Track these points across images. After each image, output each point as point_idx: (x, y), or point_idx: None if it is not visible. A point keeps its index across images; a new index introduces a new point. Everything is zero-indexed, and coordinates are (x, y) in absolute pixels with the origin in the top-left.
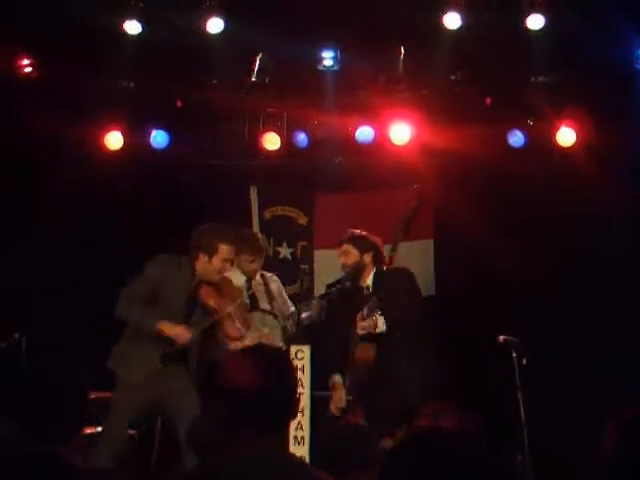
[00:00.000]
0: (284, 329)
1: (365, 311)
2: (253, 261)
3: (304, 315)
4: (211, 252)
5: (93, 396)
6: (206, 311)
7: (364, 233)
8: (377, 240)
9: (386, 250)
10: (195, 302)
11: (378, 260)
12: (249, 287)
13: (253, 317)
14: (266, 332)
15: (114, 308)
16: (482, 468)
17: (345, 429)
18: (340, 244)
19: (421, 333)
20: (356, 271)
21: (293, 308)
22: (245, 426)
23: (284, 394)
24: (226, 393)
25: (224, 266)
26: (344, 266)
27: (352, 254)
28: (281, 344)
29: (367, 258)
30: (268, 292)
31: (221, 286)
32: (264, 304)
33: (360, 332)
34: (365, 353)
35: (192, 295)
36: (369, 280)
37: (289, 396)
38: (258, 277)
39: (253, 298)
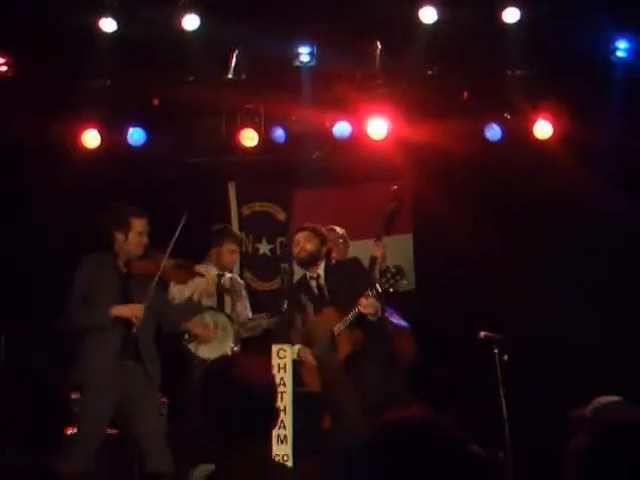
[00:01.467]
0: (236, 333)
1: (378, 288)
2: (234, 252)
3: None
4: (125, 228)
5: (75, 396)
6: (145, 279)
7: (319, 227)
8: (328, 234)
9: (364, 246)
10: (131, 280)
11: (328, 253)
12: (219, 283)
13: (220, 317)
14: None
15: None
16: (456, 456)
17: None
18: (297, 231)
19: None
20: (313, 259)
21: (251, 314)
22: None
23: (269, 399)
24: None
25: (141, 239)
26: (302, 250)
27: (314, 242)
28: (231, 344)
29: (323, 249)
30: (234, 294)
31: (149, 253)
32: (227, 304)
33: (365, 310)
34: (356, 335)
35: (125, 275)
36: (320, 270)
37: (272, 402)
38: (228, 277)
39: (220, 297)
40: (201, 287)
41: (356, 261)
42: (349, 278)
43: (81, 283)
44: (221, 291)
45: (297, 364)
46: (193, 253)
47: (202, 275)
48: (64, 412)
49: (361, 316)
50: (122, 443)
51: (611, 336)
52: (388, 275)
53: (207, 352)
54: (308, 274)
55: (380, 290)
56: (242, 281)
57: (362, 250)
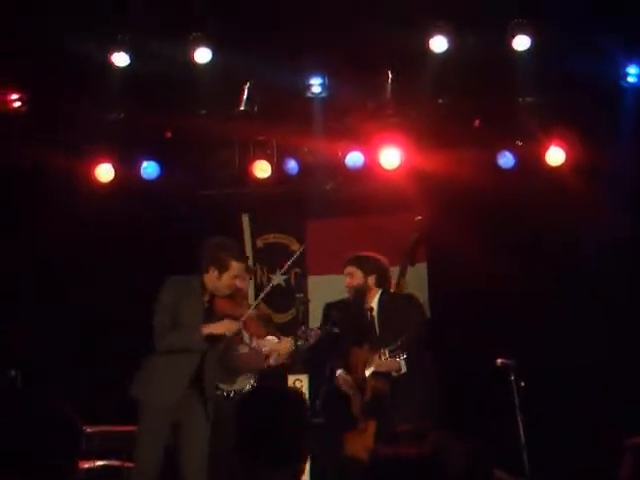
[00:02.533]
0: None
1: (387, 353)
2: (245, 278)
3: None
4: (222, 268)
5: (90, 430)
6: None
7: (369, 254)
8: (382, 261)
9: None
10: (212, 316)
11: (382, 282)
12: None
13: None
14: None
15: (156, 345)
16: None
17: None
18: (345, 265)
19: (425, 361)
20: (360, 293)
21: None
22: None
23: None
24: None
25: (233, 282)
26: (348, 288)
27: (357, 276)
28: (255, 378)
29: (371, 280)
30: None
31: (234, 295)
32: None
33: (378, 370)
34: (382, 385)
35: (208, 310)
36: (374, 303)
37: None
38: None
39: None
40: (276, 351)
41: (412, 299)
42: (402, 313)
43: (166, 307)
44: None
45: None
46: None
47: (278, 337)
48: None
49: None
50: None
51: (627, 361)
52: (394, 345)
53: (233, 385)
54: (364, 304)
55: (389, 356)
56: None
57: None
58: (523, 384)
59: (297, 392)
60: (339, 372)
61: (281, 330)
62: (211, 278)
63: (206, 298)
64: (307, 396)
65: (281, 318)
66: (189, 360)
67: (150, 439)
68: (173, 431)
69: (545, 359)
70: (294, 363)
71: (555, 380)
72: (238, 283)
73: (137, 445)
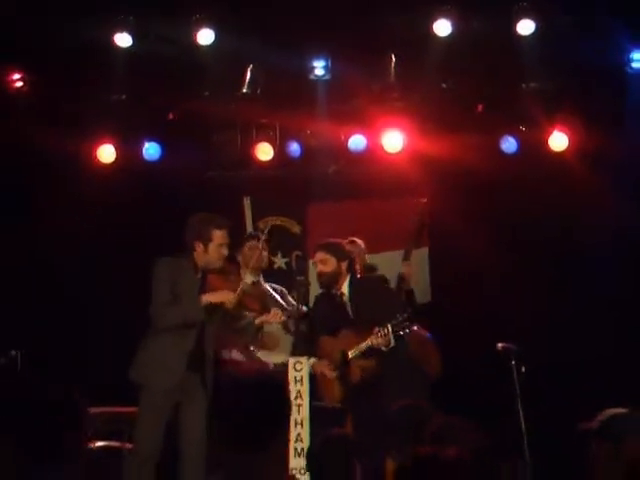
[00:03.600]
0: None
1: (390, 327)
2: (255, 248)
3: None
4: (206, 240)
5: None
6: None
7: (337, 240)
8: (348, 247)
9: (380, 258)
10: (203, 293)
11: (352, 267)
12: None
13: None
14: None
15: (155, 323)
16: None
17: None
18: (315, 252)
19: (420, 342)
20: (333, 280)
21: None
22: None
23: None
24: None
25: (221, 251)
26: (321, 274)
27: (330, 262)
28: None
29: (343, 266)
30: (276, 299)
31: (225, 271)
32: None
33: (375, 345)
34: (370, 364)
35: (201, 289)
36: (344, 287)
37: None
38: (266, 285)
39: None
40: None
41: (382, 280)
42: (374, 297)
43: (164, 284)
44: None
45: (313, 377)
46: None
47: (268, 310)
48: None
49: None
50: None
51: (629, 347)
52: (400, 319)
53: (273, 358)
54: (332, 291)
55: (391, 330)
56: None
57: (379, 263)
58: (524, 369)
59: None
60: (312, 360)
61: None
62: (199, 254)
63: (198, 276)
64: (307, 379)
65: None
66: (187, 338)
67: (151, 420)
68: (173, 411)
69: (546, 344)
70: (296, 346)
71: (556, 365)
72: (225, 251)
73: (137, 426)
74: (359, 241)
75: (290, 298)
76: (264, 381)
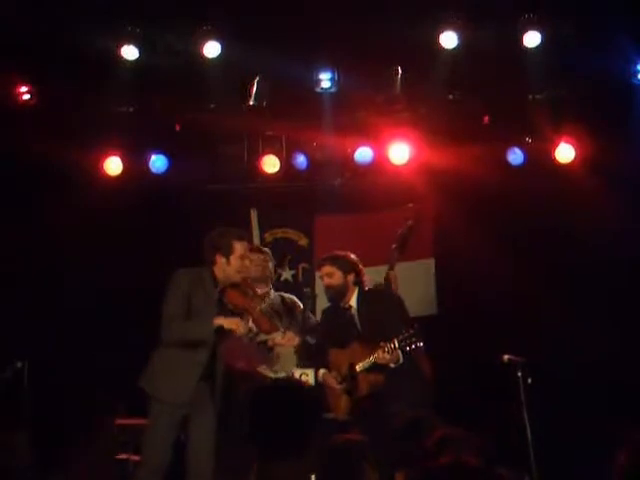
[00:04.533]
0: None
1: (397, 343)
2: (254, 260)
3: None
4: (227, 252)
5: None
6: (236, 313)
7: (343, 253)
8: (355, 259)
9: (383, 270)
10: (223, 307)
11: (359, 280)
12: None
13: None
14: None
15: (162, 335)
16: None
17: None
18: (321, 265)
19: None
20: (341, 293)
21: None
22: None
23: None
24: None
25: (242, 264)
26: (329, 288)
27: (337, 275)
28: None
29: (350, 279)
30: (285, 310)
31: (244, 287)
32: (277, 322)
33: (380, 362)
34: (377, 378)
35: (218, 302)
36: (352, 300)
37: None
38: (274, 295)
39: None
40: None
41: (387, 291)
42: (382, 310)
43: (178, 297)
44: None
45: (322, 388)
46: None
47: (283, 332)
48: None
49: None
50: None
51: (637, 359)
52: (406, 334)
53: (274, 371)
54: (340, 304)
55: (397, 346)
56: (295, 298)
57: (382, 275)
58: (530, 381)
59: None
60: (322, 372)
61: None
62: (220, 267)
63: (217, 290)
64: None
65: None
66: (200, 353)
67: (160, 432)
68: (182, 424)
69: (552, 356)
70: (300, 358)
71: (562, 377)
72: (248, 264)
73: (146, 437)
74: (353, 256)
75: (299, 310)
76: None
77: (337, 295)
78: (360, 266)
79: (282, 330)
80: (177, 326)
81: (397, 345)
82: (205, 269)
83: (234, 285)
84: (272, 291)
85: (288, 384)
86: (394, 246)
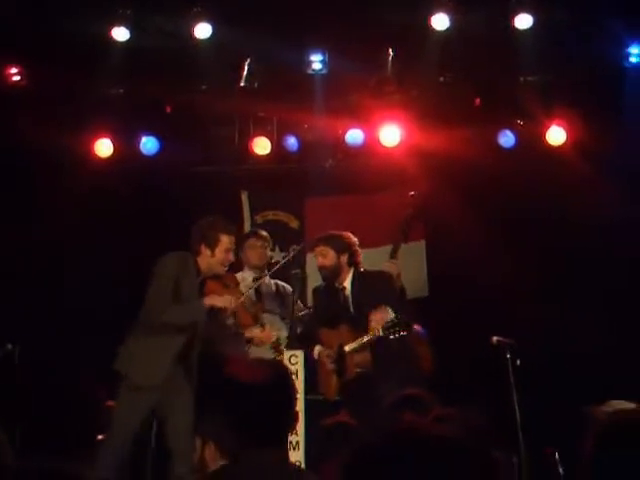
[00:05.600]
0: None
1: (381, 331)
2: (254, 247)
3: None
4: (213, 244)
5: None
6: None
7: (339, 233)
8: (352, 239)
9: (376, 253)
10: (200, 296)
11: (354, 261)
12: (256, 287)
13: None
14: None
15: (143, 318)
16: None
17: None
18: (315, 245)
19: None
20: (334, 273)
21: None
22: (249, 437)
23: (287, 404)
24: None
25: (227, 257)
26: (321, 268)
27: (330, 255)
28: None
29: (343, 259)
30: (277, 296)
31: (226, 280)
32: (273, 306)
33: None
34: (364, 359)
35: (199, 294)
36: (346, 282)
37: (290, 406)
38: (269, 281)
39: (258, 296)
40: (258, 338)
41: (384, 276)
42: (375, 293)
43: (168, 280)
44: (260, 293)
45: (315, 366)
46: None
47: (262, 326)
48: (96, 418)
49: (376, 340)
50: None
51: (624, 340)
52: (390, 323)
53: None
54: (335, 284)
55: (382, 334)
56: (288, 287)
57: (374, 258)
58: (519, 362)
59: (282, 367)
60: (317, 348)
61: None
62: (204, 258)
63: (198, 280)
64: (302, 372)
65: None
66: (177, 339)
67: (127, 416)
68: (159, 408)
69: (542, 337)
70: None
71: (552, 358)
72: (231, 257)
73: (113, 419)
74: (352, 236)
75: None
76: (280, 376)
77: (331, 275)
78: (356, 247)
79: (261, 324)
80: (172, 309)
81: (381, 333)
82: (190, 256)
83: (215, 276)
84: (267, 277)
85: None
86: (399, 231)
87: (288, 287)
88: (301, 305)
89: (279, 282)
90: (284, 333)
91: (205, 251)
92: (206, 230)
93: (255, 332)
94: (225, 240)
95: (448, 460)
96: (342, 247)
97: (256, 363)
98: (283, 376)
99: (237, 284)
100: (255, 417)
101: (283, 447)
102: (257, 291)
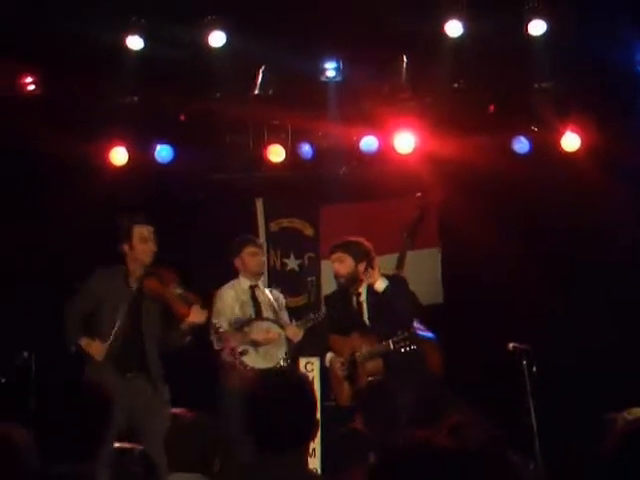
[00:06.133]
0: (289, 340)
1: (391, 344)
2: (255, 254)
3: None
4: (128, 237)
5: None
6: (154, 300)
7: (357, 239)
8: (369, 246)
9: (392, 260)
10: (142, 299)
11: (372, 267)
12: (253, 294)
13: (260, 326)
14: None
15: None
16: None
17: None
18: (333, 251)
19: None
20: (353, 281)
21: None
22: (266, 443)
23: (306, 412)
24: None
25: (147, 246)
26: (338, 275)
27: (348, 262)
28: (284, 354)
29: (361, 267)
30: (274, 304)
31: (159, 274)
32: (269, 314)
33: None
34: (376, 366)
35: (135, 294)
36: (362, 288)
37: (310, 414)
38: (264, 288)
39: (257, 307)
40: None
41: (401, 280)
42: (391, 302)
43: (87, 294)
44: (256, 301)
45: (328, 373)
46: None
47: (202, 310)
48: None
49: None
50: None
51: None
52: (400, 337)
53: (261, 362)
54: (350, 291)
55: (392, 348)
56: (280, 294)
57: (388, 265)
58: (535, 369)
59: (303, 375)
60: (329, 355)
61: (294, 314)
62: (129, 257)
63: (133, 281)
64: (319, 379)
65: (294, 302)
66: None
67: None
68: (129, 416)
69: (558, 344)
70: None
71: (568, 366)
72: (152, 246)
73: None
74: (367, 243)
75: (284, 311)
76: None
77: (347, 282)
78: (373, 254)
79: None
80: (67, 324)
81: (392, 347)
82: (120, 267)
83: (149, 273)
84: (261, 284)
85: (279, 375)
86: (405, 235)
87: (282, 298)
88: (312, 315)
89: (274, 291)
90: (283, 342)
91: (126, 249)
92: (118, 231)
93: (267, 337)
94: (137, 230)
95: (462, 474)
96: (360, 254)
97: (275, 372)
98: (301, 384)
99: (171, 277)
100: (272, 425)
101: (302, 454)
102: (254, 299)
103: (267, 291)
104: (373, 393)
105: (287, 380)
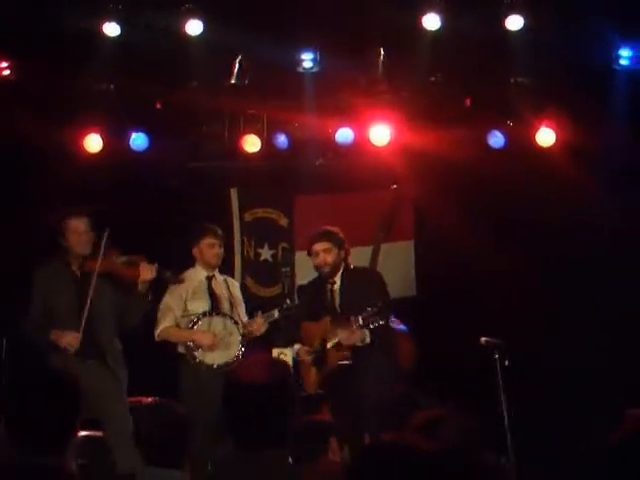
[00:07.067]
0: (243, 336)
1: (360, 320)
2: (213, 245)
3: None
4: (63, 233)
5: None
6: (103, 275)
7: (335, 229)
8: (344, 237)
9: (366, 252)
10: (87, 281)
11: (346, 258)
12: (209, 285)
13: (216, 322)
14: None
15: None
16: None
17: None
18: (317, 240)
19: (389, 334)
20: (335, 270)
21: (246, 318)
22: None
23: (287, 404)
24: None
25: (81, 238)
26: (324, 264)
27: (333, 252)
28: (239, 350)
29: (342, 254)
30: (230, 297)
31: (93, 252)
32: (225, 307)
33: (345, 343)
34: (344, 356)
35: (81, 279)
36: (337, 277)
37: (290, 407)
38: (221, 279)
39: (215, 299)
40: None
41: (375, 275)
42: (363, 290)
43: (39, 298)
44: (213, 293)
45: (296, 364)
46: None
47: (151, 265)
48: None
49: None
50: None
51: (614, 342)
52: (369, 312)
53: (214, 358)
54: (329, 280)
55: (362, 323)
56: (237, 283)
57: (362, 256)
58: (507, 363)
59: (283, 365)
60: (296, 347)
61: (268, 304)
62: (68, 250)
63: (76, 268)
64: (292, 369)
65: (268, 292)
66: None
67: None
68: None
69: (530, 338)
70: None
71: (540, 360)
72: (85, 237)
73: None
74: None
75: (241, 305)
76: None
77: (331, 273)
78: (347, 244)
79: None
80: (33, 338)
81: (361, 323)
82: (59, 258)
83: (89, 256)
84: (217, 273)
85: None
86: (379, 227)
87: (238, 290)
88: (278, 309)
89: (229, 279)
90: (237, 337)
91: (63, 243)
92: (52, 228)
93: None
94: (70, 224)
95: (430, 475)
96: (342, 244)
97: (256, 363)
98: (283, 376)
99: (109, 250)
100: (253, 418)
101: (284, 447)
102: (210, 291)
103: (223, 282)
104: (339, 379)
105: (270, 374)
